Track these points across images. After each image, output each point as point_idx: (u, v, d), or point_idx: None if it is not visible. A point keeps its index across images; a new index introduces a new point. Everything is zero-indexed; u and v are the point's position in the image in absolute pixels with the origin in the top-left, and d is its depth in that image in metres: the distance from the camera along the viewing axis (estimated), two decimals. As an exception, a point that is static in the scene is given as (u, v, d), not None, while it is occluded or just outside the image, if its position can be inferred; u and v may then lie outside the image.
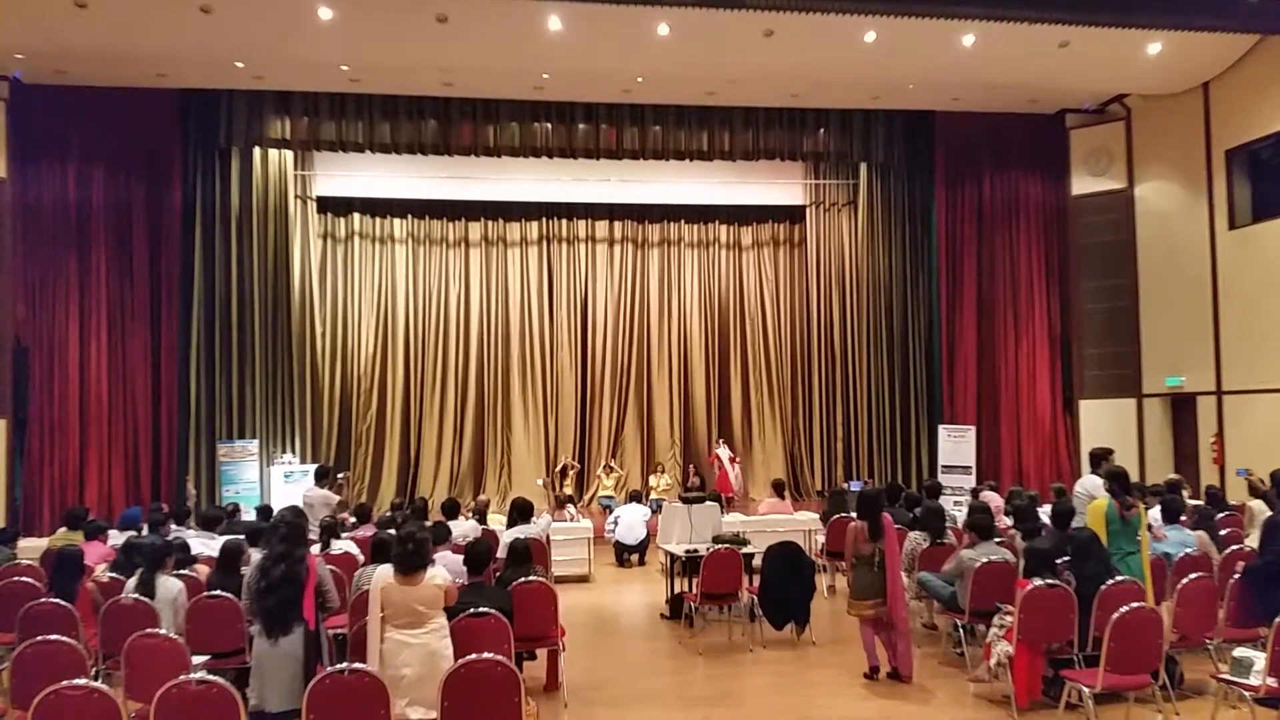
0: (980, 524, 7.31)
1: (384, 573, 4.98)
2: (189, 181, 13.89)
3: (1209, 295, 13.45)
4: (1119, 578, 6.12)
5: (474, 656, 4.57)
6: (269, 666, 4.78)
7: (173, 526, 9.39)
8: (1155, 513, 7.86)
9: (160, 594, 6.00)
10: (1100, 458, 7.37)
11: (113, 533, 8.74)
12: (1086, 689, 5.54)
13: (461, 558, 6.61)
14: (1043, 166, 15.39)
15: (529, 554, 6.93)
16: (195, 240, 13.89)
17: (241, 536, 6.92)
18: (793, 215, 17.79)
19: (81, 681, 4.24)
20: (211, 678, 4.26)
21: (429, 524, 7.87)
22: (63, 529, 8.88)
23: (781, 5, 10.82)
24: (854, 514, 7.43)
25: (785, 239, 18.03)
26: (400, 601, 4.91)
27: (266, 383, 14.49)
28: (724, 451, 15.91)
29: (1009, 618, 6.19)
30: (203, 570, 6.99)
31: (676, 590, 9.30)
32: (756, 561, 8.71)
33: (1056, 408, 15.07)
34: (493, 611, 5.56)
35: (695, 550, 8.73)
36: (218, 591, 6.17)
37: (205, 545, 7.96)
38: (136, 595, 5.98)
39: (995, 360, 15.27)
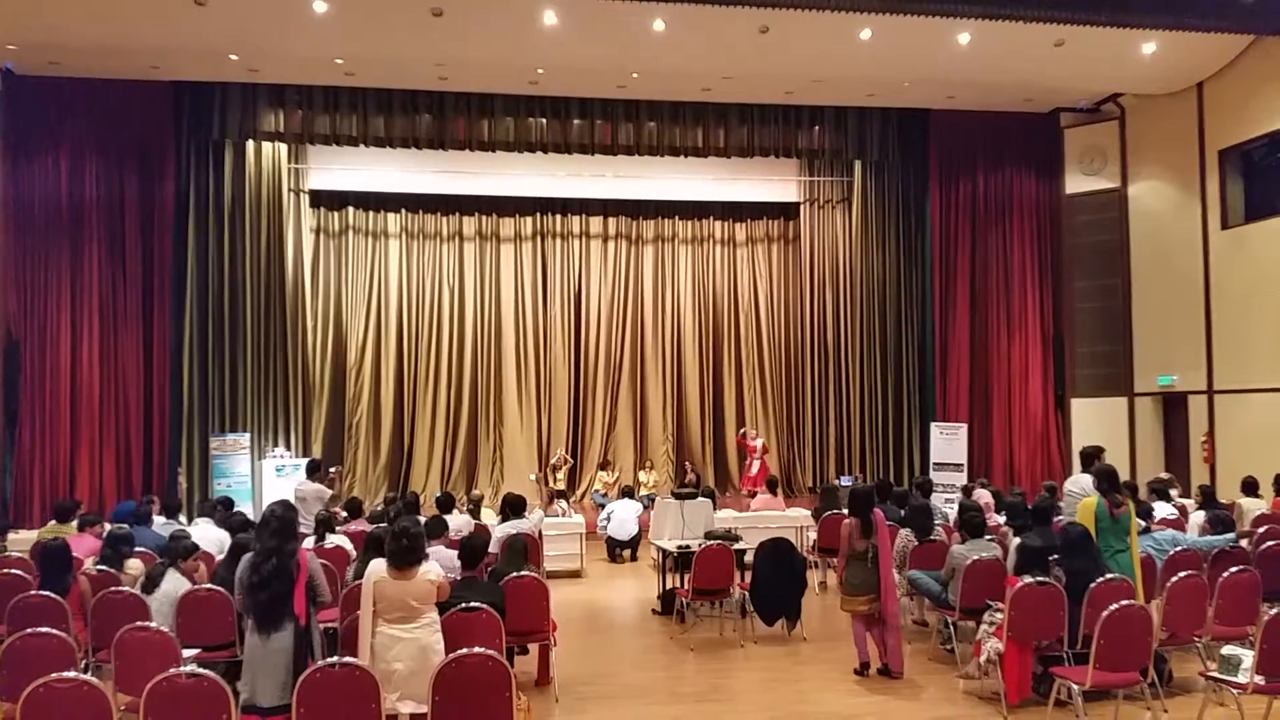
0: (971, 522, 7.33)
1: (377, 567, 4.99)
2: (182, 174, 13.82)
3: (1201, 295, 13.50)
4: (1109, 575, 6.15)
5: (465, 651, 4.58)
6: (261, 661, 4.78)
7: (181, 519, 9.39)
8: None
9: (166, 588, 6.02)
10: (1092, 456, 7.36)
11: (107, 525, 8.72)
12: (1076, 686, 5.56)
13: (455, 552, 6.61)
14: (1037, 165, 15.41)
15: (526, 552, 6.94)
16: (188, 233, 13.82)
17: (251, 534, 6.89)
18: (787, 212, 17.81)
19: (71, 674, 4.23)
20: (202, 671, 4.26)
21: (425, 518, 7.88)
22: (52, 522, 8.86)
23: (777, 2, 10.79)
24: (845, 510, 7.44)
25: (779, 235, 18.05)
26: (393, 596, 4.92)
27: (259, 376, 14.44)
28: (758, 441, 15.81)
29: (999, 615, 6.21)
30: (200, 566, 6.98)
31: (668, 586, 9.31)
32: (748, 558, 8.73)
33: (1048, 406, 15.11)
34: (484, 606, 5.57)
35: (687, 546, 8.75)
36: (209, 585, 6.18)
37: (203, 538, 7.94)
38: (129, 589, 5.99)
39: (988, 358, 15.29)
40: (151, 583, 6.08)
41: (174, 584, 6.10)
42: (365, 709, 4.36)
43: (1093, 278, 14.99)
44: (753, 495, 14.42)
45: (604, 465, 16.55)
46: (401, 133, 13.96)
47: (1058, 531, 6.92)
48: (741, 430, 16.52)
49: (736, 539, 8.90)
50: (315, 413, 15.74)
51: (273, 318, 14.65)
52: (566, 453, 16.44)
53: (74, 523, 8.50)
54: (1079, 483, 7.46)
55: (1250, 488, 9.70)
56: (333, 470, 13.78)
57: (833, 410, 16.63)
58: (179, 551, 6.35)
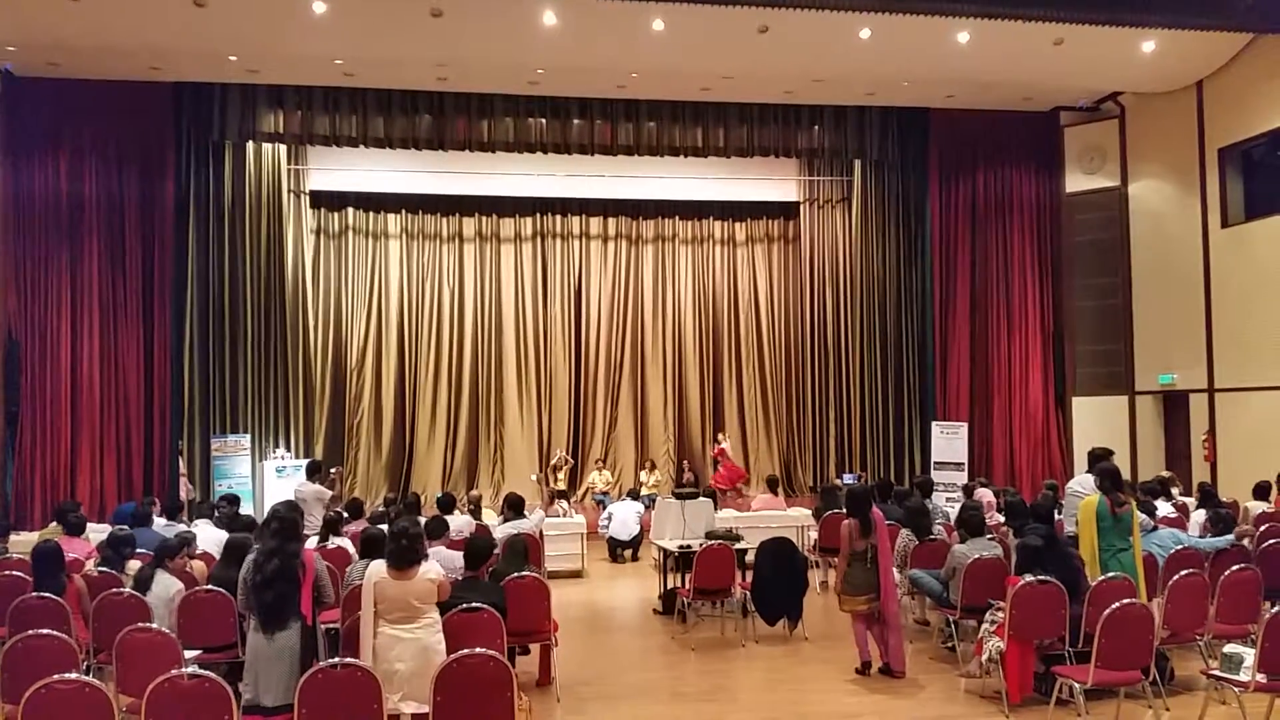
0: (971, 520, 7.34)
1: (377, 567, 4.99)
2: (182, 175, 13.79)
3: (1201, 293, 13.48)
4: (1110, 574, 6.15)
5: (467, 651, 4.58)
6: (264, 661, 4.78)
7: (184, 520, 9.41)
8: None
9: (157, 590, 6.01)
10: (1100, 458, 7.32)
11: (91, 526, 8.71)
12: (1077, 684, 5.56)
13: (456, 553, 6.61)
14: (1036, 164, 15.38)
15: (527, 552, 6.95)
16: (188, 234, 13.81)
17: (248, 533, 6.88)
18: (787, 211, 17.80)
19: (73, 676, 4.23)
20: (203, 672, 4.27)
21: (425, 518, 7.89)
22: (54, 524, 8.86)
23: (777, 1, 10.80)
24: (844, 510, 7.45)
25: (779, 235, 18.04)
26: (393, 596, 4.92)
27: (259, 377, 14.45)
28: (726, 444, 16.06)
29: (1000, 613, 6.21)
30: (198, 565, 6.98)
31: (669, 585, 9.32)
32: (749, 557, 8.74)
33: (1049, 404, 15.08)
34: (486, 607, 5.57)
35: (688, 546, 8.76)
36: (210, 586, 6.18)
37: (203, 539, 7.95)
38: (130, 591, 5.99)
39: (988, 357, 15.26)
40: (142, 585, 6.05)
41: (164, 585, 6.08)
42: (367, 709, 4.37)
43: (1093, 276, 14.97)
44: (739, 494, 14.63)
45: (595, 466, 16.52)
46: (401, 133, 13.93)
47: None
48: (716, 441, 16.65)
49: (737, 538, 8.91)
50: (316, 414, 15.73)
51: (273, 319, 14.65)
52: (566, 453, 16.46)
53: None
54: (1082, 482, 7.45)
55: (1262, 492, 9.67)
56: (333, 471, 13.79)
57: (833, 409, 16.63)
58: (165, 551, 6.32)
